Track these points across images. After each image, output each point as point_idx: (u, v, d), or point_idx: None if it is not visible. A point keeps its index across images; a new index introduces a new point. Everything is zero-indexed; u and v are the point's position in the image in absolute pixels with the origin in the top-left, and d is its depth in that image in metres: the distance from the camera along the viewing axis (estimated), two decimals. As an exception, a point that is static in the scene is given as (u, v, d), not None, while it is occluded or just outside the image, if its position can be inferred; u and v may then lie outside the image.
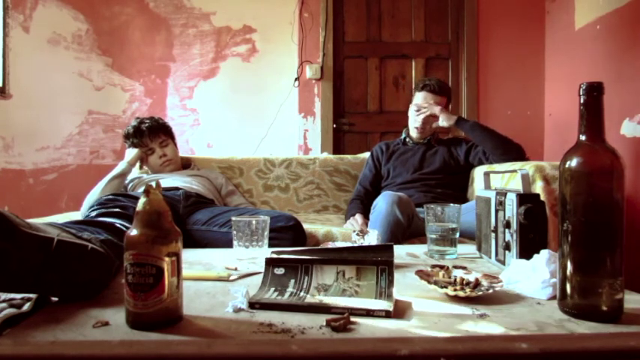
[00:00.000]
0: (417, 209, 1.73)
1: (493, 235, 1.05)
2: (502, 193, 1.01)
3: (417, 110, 2.08)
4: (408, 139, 2.18)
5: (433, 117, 2.06)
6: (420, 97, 2.09)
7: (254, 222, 1.10)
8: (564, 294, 0.68)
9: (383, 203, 1.57)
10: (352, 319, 0.64)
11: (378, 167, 2.16)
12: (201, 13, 2.99)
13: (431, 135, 2.13)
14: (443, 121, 2.02)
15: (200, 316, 0.67)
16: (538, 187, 1.48)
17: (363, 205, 2.01)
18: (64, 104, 2.91)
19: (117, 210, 1.37)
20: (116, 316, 0.66)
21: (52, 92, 2.88)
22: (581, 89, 0.68)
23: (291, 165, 2.34)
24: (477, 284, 0.79)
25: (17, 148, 2.82)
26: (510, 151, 1.84)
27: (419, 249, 1.26)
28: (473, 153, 2.02)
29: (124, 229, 0.98)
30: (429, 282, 0.80)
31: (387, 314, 0.67)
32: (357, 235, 1.14)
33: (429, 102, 2.06)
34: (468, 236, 1.51)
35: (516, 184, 1.58)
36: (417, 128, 2.09)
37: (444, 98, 2.10)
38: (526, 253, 0.90)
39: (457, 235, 1.17)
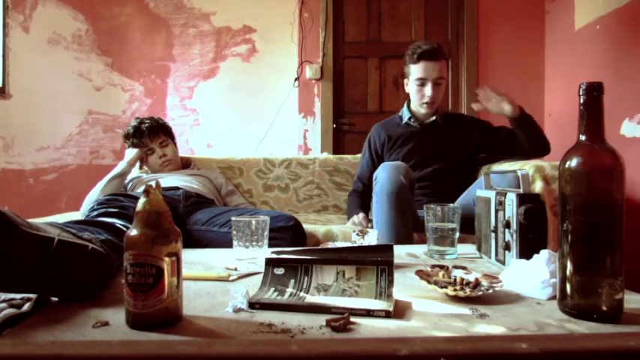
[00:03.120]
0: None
1: (493, 235, 1.05)
2: (502, 193, 1.01)
3: (421, 84, 1.85)
4: (412, 120, 1.95)
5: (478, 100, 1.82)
6: (420, 69, 1.85)
7: (254, 222, 1.10)
8: (564, 294, 0.68)
9: (385, 211, 1.52)
10: (352, 319, 0.64)
11: (376, 161, 1.99)
12: (201, 13, 2.99)
13: (436, 111, 1.93)
14: (508, 110, 1.74)
15: (200, 316, 0.67)
16: (538, 187, 1.48)
17: (362, 199, 1.94)
18: (64, 104, 2.91)
19: (117, 210, 1.37)
20: (116, 316, 0.66)
21: (52, 92, 2.88)
22: (581, 89, 0.68)
23: (291, 165, 2.35)
24: (476, 284, 0.79)
25: (17, 148, 2.82)
26: (543, 147, 1.77)
27: (419, 249, 1.26)
28: (493, 138, 1.89)
29: (124, 229, 0.97)
30: (429, 282, 0.80)
31: (387, 314, 0.67)
32: (357, 235, 1.15)
33: (441, 74, 1.83)
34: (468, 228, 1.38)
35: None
36: (427, 104, 1.87)
37: (445, 62, 1.89)
38: (526, 253, 0.90)
39: (457, 235, 1.17)
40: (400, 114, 2.02)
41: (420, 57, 1.84)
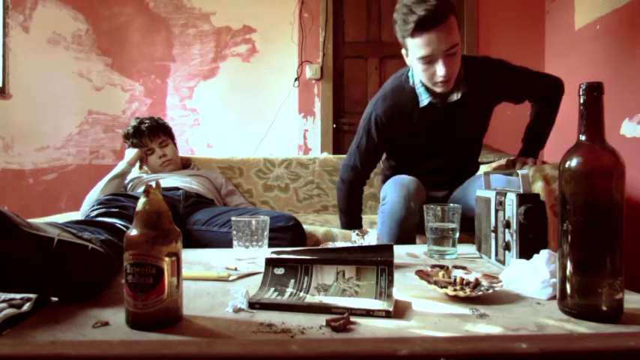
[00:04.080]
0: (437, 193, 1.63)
1: (493, 235, 1.05)
2: (502, 193, 1.01)
3: (428, 62, 1.37)
4: (436, 101, 1.48)
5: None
6: (421, 44, 1.34)
7: (254, 222, 1.10)
8: (564, 294, 0.68)
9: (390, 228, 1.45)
10: (352, 319, 0.64)
11: (385, 146, 1.64)
12: (201, 13, 2.99)
13: (456, 82, 1.45)
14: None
15: (200, 316, 0.67)
16: (538, 187, 1.48)
17: (360, 195, 1.71)
18: (64, 104, 2.91)
19: (117, 210, 1.37)
20: (116, 316, 0.66)
21: (52, 92, 2.88)
22: (581, 89, 0.68)
23: (291, 165, 2.34)
24: (476, 284, 0.79)
25: (17, 148, 2.82)
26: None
27: (419, 249, 1.26)
28: (511, 97, 1.63)
29: (124, 229, 0.97)
30: (429, 282, 0.80)
31: (387, 314, 0.67)
32: (357, 235, 1.15)
33: (452, 42, 1.33)
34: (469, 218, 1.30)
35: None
36: (442, 82, 1.39)
37: (453, 18, 1.35)
38: (526, 253, 0.90)
39: (457, 235, 1.17)
40: (412, 85, 1.52)
41: (417, 29, 1.32)
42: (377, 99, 1.58)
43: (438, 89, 1.43)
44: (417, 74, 1.47)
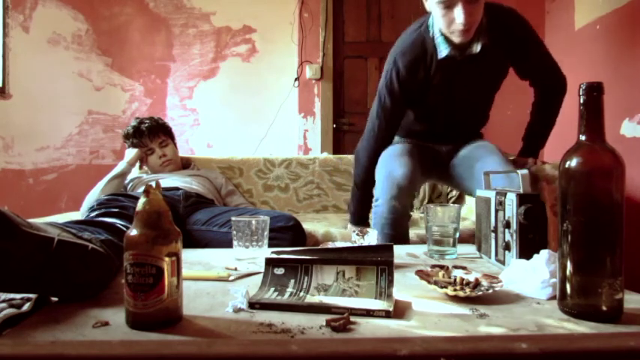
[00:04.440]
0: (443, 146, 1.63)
1: (493, 235, 1.05)
2: (502, 193, 1.01)
3: (447, 7, 1.30)
4: (455, 53, 1.41)
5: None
6: None
7: (254, 222, 1.10)
8: (564, 294, 0.68)
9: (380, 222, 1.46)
10: (352, 319, 0.64)
11: (408, 96, 1.53)
12: (201, 13, 2.99)
13: (477, 32, 1.37)
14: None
15: (200, 316, 0.67)
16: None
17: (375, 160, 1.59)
18: (64, 104, 2.91)
19: (117, 210, 1.37)
20: (116, 316, 0.66)
21: (52, 92, 2.88)
22: (580, 89, 0.68)
23: (291, 165, 2.35)
24: (476, 284, 0.79)
25: (17, 148, 2.82)
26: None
27: (419, 249, 1.26)
28: (531, 69, 1.56)
29: (124, 229, 0.97)
30: (429, 282, 0.80)
31: (387, 314, 0.67)
32: (357, 235, 1.15)
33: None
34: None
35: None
36: (461, 31, 1.32)
37: None
38: (526, 253, 0.90)
39: (457, 235, 1.17)
40: (432, 36, 1.45)
41: None
42: (395, 54, 1.51)
43: (456, 38, 1.35)
44: (437, 21, 1.39)
